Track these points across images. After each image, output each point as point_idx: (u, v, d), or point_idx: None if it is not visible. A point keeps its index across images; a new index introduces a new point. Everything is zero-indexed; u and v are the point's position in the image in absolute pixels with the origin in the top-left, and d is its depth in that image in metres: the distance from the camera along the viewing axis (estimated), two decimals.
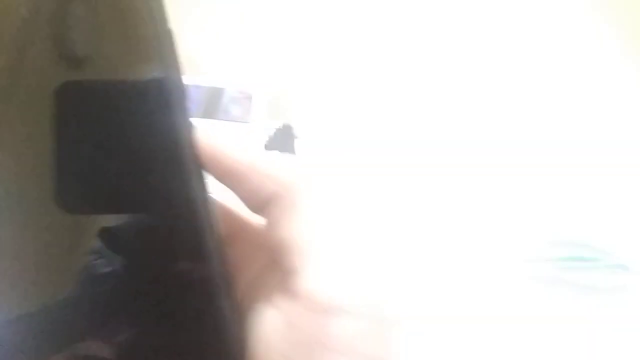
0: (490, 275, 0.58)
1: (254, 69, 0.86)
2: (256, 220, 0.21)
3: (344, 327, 0.18)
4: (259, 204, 0.20)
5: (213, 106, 0.78)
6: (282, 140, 0.75)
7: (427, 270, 0.55)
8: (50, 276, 0.19)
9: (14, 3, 0.19)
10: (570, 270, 0.59)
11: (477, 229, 0.65)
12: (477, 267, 0.58)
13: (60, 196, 0.19)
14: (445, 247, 0.59)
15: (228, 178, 0.20)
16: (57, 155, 0.19)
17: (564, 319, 0.53)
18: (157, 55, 0.19)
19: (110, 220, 0.19)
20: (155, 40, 0.19)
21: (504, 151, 0.92)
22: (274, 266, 0.20)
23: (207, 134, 0.19)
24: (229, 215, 0.21)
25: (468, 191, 0.73)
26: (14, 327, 0.18)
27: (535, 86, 0.90)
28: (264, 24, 0.85)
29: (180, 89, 0.19)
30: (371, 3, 0.85)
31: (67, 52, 0.19)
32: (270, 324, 0.19)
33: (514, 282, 0.57)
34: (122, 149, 0.19)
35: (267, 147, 0.75)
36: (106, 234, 0.19)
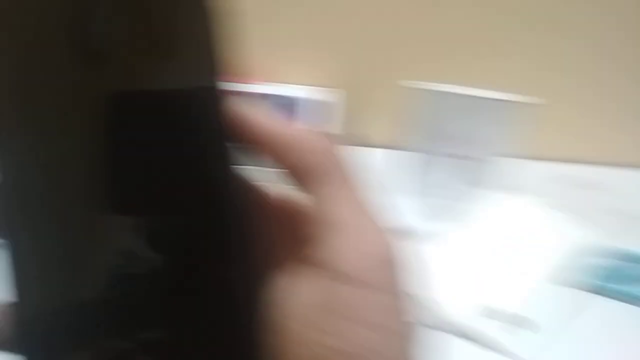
0: (532, 284, 0.55)
1: (329, 78, 0.88)
2: (272, 189, 0.22)
3: (364, 298, 0.18)
4: (297, 177, 0.20)
5: (288, 115, 0.81)
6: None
7: (466, 274, 0.54)
8: (80, 273, 0.19)
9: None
10: (613, 280, 0.56)
11: (520, 239, 0.63)
12: (519, 276, 0.56)
13: (100, 195, 0.19)
14: (487, 254, 0.58)
15: (269, 151, 0.20)
16: (98, 156, 0.19)
17: (605, 330, 0.50)
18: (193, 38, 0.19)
19: (145, 218, 0.19)
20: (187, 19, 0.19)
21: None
22: (294, 235, 0.21)
23: (246, 108, 0.20)
24: (250, 186, 0.22)
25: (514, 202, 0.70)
26: (41, 322, 0.19)
27: None
28: (340, 33, 0.86)
29: (218, 77, 0.19)
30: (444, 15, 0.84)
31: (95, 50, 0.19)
32: (289, 292, 0.19)
33: (555, 292, 0.55)
34: (163, 146, 0.19)
35: None
36: (145, 233, 0.19)
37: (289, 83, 0.86)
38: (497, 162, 0.63)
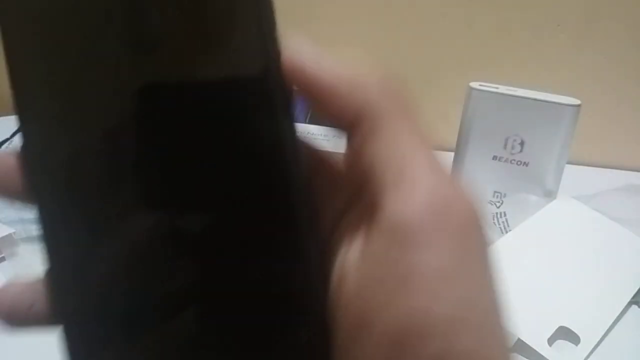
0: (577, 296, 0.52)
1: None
2: (335, 152, 0.20)
3: (429, 263, 0.15)
4: (346, 125, 0.18)
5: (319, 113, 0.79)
6: None
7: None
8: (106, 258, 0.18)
9: None
10: None
11: (574, 247, 0.59)
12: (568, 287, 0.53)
13: (144, 196, 0.18)
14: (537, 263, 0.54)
15: (314, 93, 0.17)
16: (140, 153, 0.18)
17: None
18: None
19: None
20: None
21: None
22: (357, 199, 0.19)
23: (295, 47, 0.18)
24: (309, 149, 0.20)
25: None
26: (74, 297, 0.18)
27: None
28: (378, 31, 0.85)
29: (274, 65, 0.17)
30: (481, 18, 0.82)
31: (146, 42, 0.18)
32: (351, 258, 0.17)
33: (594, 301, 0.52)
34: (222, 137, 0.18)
35: None
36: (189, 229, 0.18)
37: None
38: (542, 165, 0.60)
